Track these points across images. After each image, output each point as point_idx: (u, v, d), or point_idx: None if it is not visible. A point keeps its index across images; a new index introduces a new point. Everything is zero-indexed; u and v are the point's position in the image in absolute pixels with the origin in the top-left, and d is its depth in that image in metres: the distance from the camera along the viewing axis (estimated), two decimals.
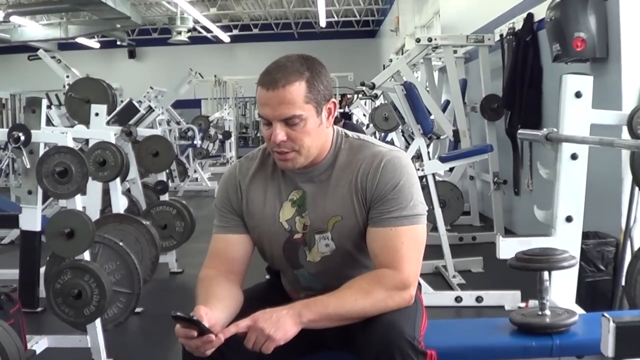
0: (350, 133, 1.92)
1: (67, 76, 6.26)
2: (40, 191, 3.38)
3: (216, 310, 1.69)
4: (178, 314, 1.57)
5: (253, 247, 1.94)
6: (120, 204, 4.37)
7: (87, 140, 4.44)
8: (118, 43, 18.17)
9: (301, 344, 1.70)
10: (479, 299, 4.06)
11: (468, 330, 2.25)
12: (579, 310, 2.38)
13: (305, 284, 1.93)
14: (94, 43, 18.88)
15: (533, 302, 2.09)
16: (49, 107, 8.03)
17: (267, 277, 2.12)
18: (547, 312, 2.04)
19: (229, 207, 1.92)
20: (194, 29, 16.81)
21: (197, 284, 1.86)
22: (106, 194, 4.43)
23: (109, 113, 4.98)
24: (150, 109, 6.01)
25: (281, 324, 1.63)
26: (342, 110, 14.16)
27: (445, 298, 4.11)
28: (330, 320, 1.69)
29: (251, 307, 1.72)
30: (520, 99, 5.28)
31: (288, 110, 1.74)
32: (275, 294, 1.96)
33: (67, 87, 5.71)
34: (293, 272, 1.93)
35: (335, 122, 1.91)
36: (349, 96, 13.41)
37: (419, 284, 1.94)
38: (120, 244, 3.58)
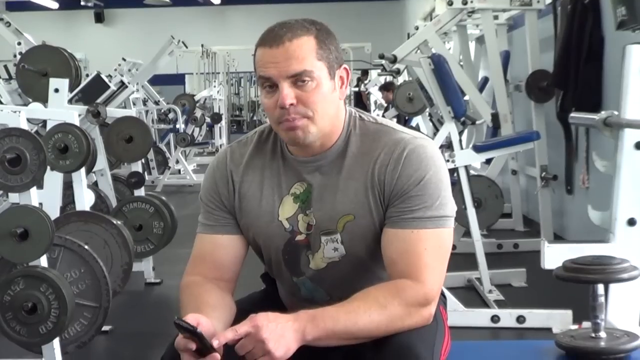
0: (365, 115, 1.93)
1: (19, 43, 6.26)
2: None
3: (212, 320, 1.70)
4: (181, 321, 1.59)
5: (246, 250, 1.96)
6: (85, 200, 4.38)
7: (44, 122, 4.47)
8: (82, 3, 18.19)
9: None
10: (520, 319, 4.07)
11: (502, 353, 2.25)
12: None
13: (306, 295, 1.95)
14: (51, 2, 18.85)
15: (587, 324, 2.10)
16: None
17: (264, 287, 2.15)
18: (602, 334, 2.05)
19: (218, 201, 1.94)
20: None
21: (181, 292, 1.88)
22: (68, 187, 4.45)
23: (71, 89, 5.00)
24: (122, 85, 6.01)
25: (285, 339, 1.64)
26: (356, 89, 14.11)
27: (479, 317, 4.12)
28: (337, 339, 1.71)
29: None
30: (575, 76, 5.26)
31: (298, 64, 1.76)
32: (273, 306, 1.95)
33: (18, 56, 5.73)
34: (292, 279, 1.95)
35: None
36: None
37: (444, 298, 1.95)
38: (85, 247, 3.60)
